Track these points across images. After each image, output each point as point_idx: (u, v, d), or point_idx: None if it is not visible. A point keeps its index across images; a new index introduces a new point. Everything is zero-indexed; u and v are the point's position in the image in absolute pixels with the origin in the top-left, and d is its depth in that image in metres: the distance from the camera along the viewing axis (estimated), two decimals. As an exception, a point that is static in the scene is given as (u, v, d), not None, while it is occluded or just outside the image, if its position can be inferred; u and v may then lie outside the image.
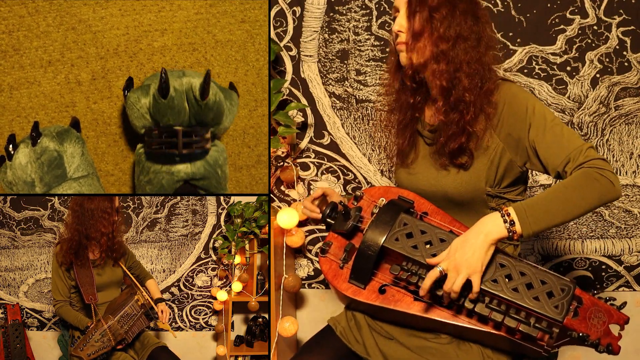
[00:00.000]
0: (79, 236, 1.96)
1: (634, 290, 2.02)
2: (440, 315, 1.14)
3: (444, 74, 1.19)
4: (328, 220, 1.34)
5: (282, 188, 2.14)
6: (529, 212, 1.06)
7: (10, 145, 1.33)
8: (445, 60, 1.18)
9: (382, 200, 1.32)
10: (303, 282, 2.23)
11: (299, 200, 2.12)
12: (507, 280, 1.08)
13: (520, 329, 1.04)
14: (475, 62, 1.19)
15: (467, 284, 1.07)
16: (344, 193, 2.11)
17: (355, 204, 1.36)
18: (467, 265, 1.05)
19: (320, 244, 2.18)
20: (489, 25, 1.24)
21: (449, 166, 1.25)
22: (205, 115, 1.39)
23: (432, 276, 1.08)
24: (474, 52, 1.19)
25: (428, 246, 1.15)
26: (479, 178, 1.22)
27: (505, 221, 1.07)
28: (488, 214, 1.10)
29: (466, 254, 1.06)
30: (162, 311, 2.10)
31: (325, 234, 2.15)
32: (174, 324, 2.60)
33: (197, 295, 2.58)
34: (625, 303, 1.06)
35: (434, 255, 1.13)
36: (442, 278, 1.09)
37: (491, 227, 1.07)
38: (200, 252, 2.54)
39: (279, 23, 1.98)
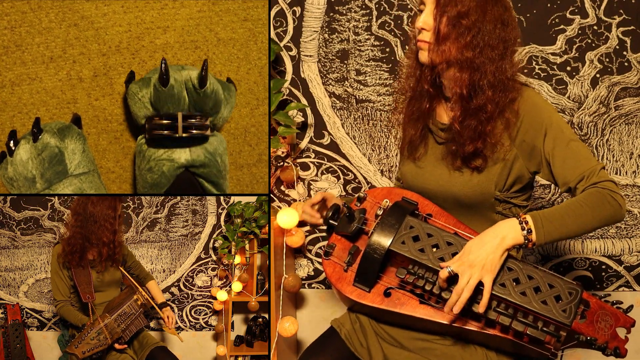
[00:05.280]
0: (82, 239, 1.95)
1: (634, 290, 2.02)
2: (446, 318, 1.13)
3: (465, 82, 1.15)
4: (331, 222, 1.32)
5: (282, 188, 2.14)
6: (545, 222, 1.07)
7: (12, 141, 1.32)
8: (469, 69, 1.14)
9: (386, 202, 1.31)
10: (303, 282, 2.22)
11: (299, 200, 2.12)
12: (514, 284, 1.07)
13: (528, 332, 1.04)
14: (501, 73, 1.15)
15: (476, 289, 1.07)
16: (344, 193, 2.11)
17: (359, 205, 1.34)
18: (481, 265, 1.05)
19: (322, 244, 2.18)
20: (516, 30, 1.19)
21: (463, 168, 1.23)
22: (204, 103, 1.40)
23: (441, 276, 1.07)
24: (500, 62, 1.15)
25: (435, 249, 1.14)
26: (490, 182, 1.21)
27: (523, 228, 1.07)
28: (505, 219, 1.10)
29: (481, 255, 1.05)
30: (167, 317, 2.09)
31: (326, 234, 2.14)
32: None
33: (197, 295, 2.57)
34: (631, 306, 1.06)
35: (442, 259, 1.12)
36: (453, 281, 1.08)
37: (508, 232, 1.07)
38: (200, 252, 2.52)
39: (279, 23, 1.97)
